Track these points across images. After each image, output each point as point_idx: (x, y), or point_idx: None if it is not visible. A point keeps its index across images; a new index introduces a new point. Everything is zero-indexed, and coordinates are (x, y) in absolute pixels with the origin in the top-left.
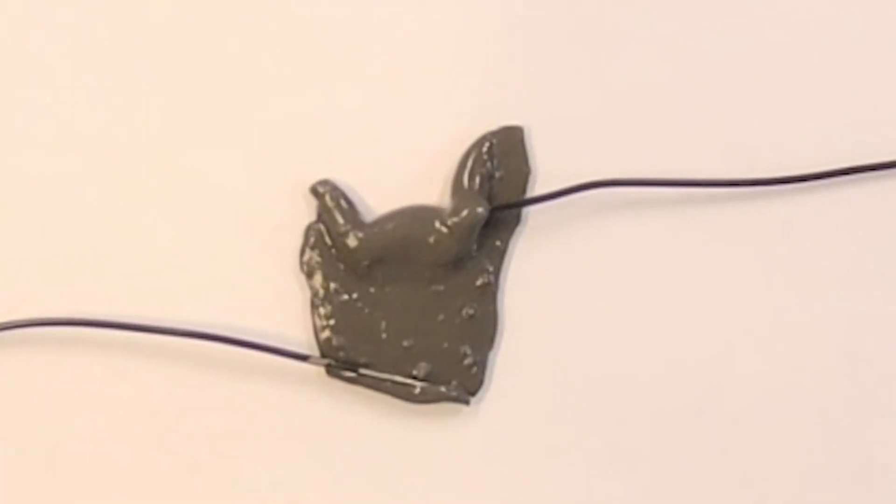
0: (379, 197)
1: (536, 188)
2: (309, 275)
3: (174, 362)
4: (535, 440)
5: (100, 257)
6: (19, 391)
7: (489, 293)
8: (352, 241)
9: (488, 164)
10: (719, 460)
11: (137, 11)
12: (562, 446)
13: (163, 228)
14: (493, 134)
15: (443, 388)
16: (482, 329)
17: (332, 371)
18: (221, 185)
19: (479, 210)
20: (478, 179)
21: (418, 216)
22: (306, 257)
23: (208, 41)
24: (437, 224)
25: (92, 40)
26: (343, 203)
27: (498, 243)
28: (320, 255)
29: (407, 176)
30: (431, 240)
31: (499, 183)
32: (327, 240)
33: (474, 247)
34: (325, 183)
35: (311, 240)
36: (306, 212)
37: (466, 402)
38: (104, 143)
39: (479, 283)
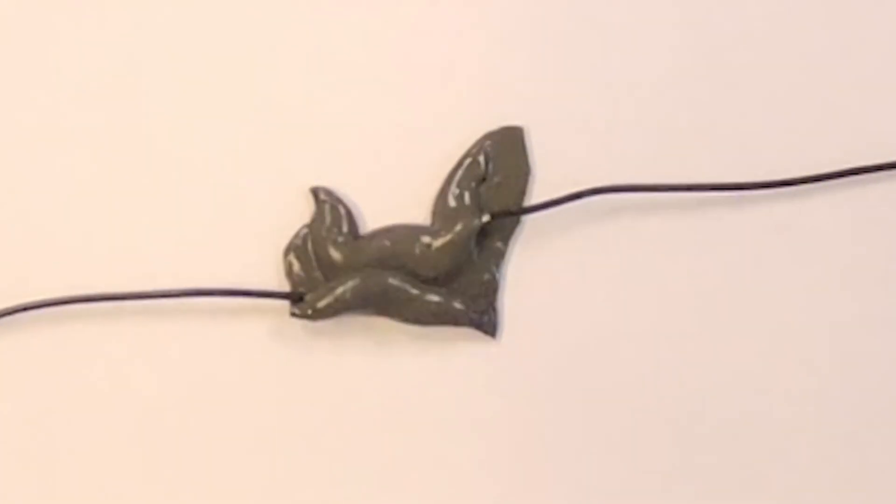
0: (379, 196)
1: (536, 188)
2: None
3: (172, 325)
4: (535, 440)
5: (98, 256)
6: (29, 370)
7: (489, 296)
8: (334, 255)
9: (482, 168)
10: (718, 461)
11: (142, 11)
12: (561, 446)
13: (162, 225)
14: (493, 134)
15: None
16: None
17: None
18: (223, 186)
19: (475, 222)
20: (467, 195)
21: (403, 234)
22: (288, 258)
23: (210, 45)
24: (426, 238)
25: (97, 39)
26: (341, 210)
27: (498, 244)
28: (298, 258)
29: (406, 176)
30: (417, 253)
31: (498, 184)
32: (309, 246)
33: (474, 255)
34: (326, 191)
35: (297, 243)
36: (307, 212)
37: (478, 326)
38: (108, 145)
39: (479, 285)
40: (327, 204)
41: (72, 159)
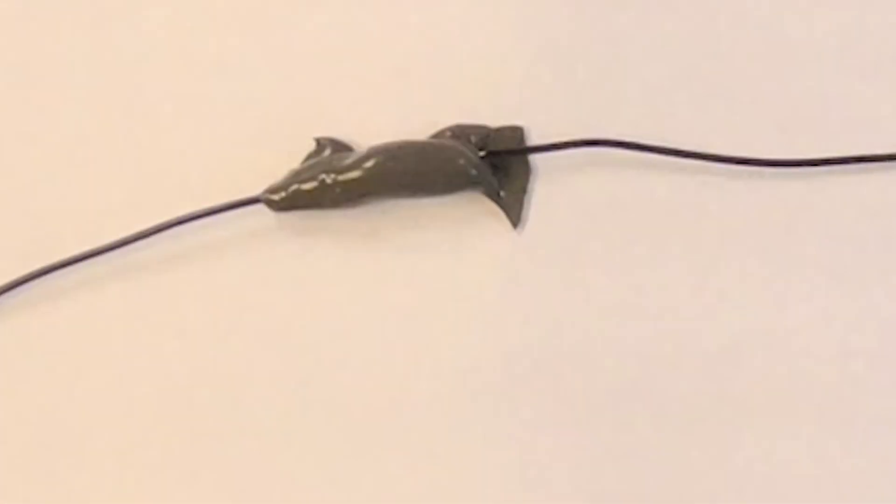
0: None
1: (537, 187)
2: None
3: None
4: (531, 389)
5: (87, 216)
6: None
7: None
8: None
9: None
10: (716, 451)
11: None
12: (559, 396)
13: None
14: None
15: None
16: None
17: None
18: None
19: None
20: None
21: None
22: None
23: (205, 36)
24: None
25: (88, 21)
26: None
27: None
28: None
29: None
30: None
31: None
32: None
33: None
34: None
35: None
36: None
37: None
38: (98, 103)
39: None
40: (329, 143)
41: (65, 132)
